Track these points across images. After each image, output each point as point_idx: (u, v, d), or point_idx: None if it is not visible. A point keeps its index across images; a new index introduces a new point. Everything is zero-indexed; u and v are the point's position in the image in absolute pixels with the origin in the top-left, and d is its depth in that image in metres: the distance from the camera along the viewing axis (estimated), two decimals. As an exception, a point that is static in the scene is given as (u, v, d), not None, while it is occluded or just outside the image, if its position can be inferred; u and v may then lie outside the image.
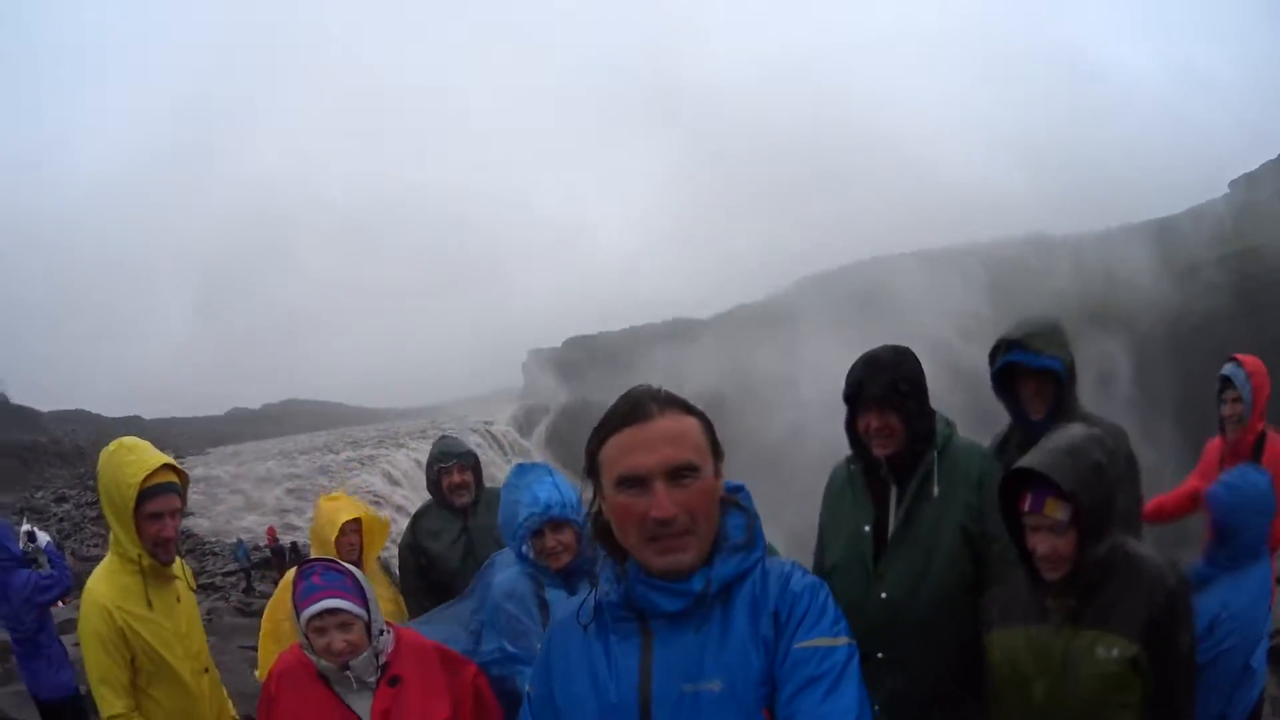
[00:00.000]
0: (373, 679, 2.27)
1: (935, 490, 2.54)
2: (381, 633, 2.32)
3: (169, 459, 2.83)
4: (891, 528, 2.59)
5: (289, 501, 40.77)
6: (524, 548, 2.65)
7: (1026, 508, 2.11)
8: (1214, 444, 3.91)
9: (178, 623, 2.94)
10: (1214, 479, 3.31)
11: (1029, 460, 2.10)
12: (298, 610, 2.23)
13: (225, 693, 3.23)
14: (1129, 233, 64.61)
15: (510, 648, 2.62)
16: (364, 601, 2.26)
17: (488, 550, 3.29)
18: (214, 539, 33.49)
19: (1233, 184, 64.97)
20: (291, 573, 3.10)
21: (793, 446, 50.28)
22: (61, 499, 41.45)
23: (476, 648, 2.72)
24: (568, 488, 2.67)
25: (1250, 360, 3.64)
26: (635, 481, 1.39)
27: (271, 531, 29.37)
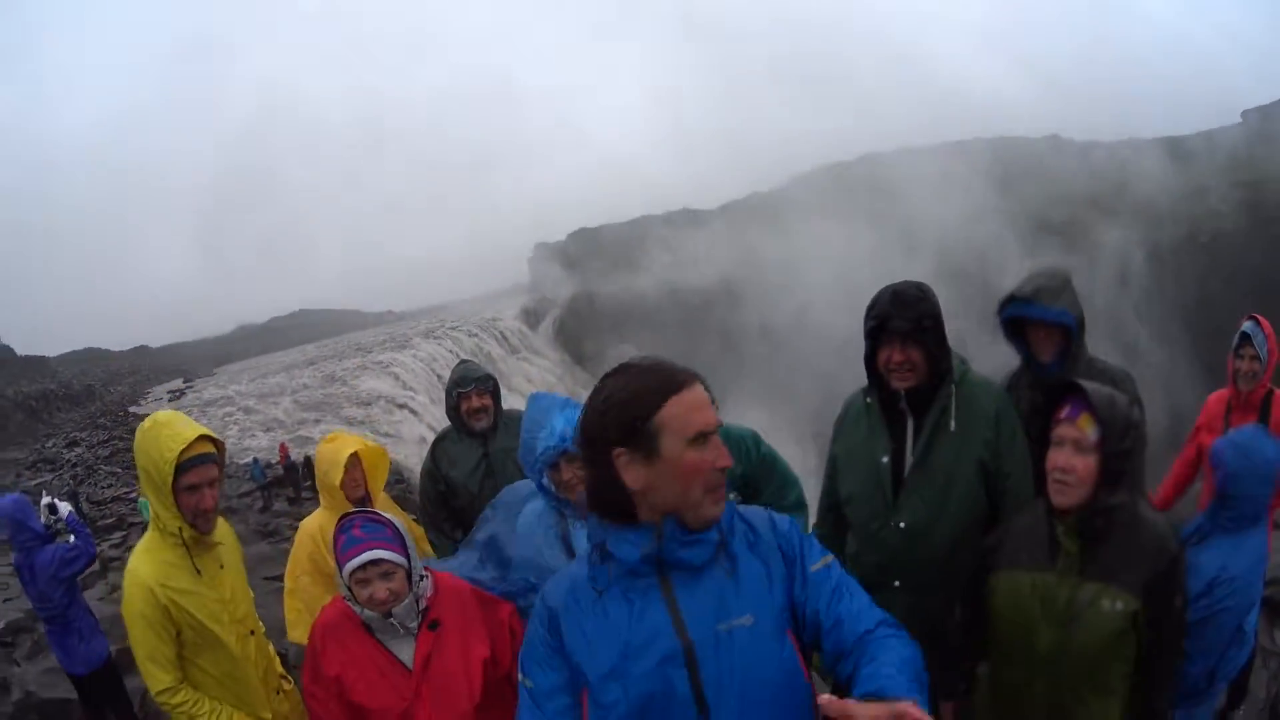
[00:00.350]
0: (414, 624, 2.36)
1: (953, 424, 2.60)
2: (421, 578, 2.38)
3: (205, 430, 2.83)
4: (910, 460, 2.64)
5: (299, 415, 40.25)
6: (543, 479, 2.64)
7: (1064, 415, 2.19)
8: (1218, 396, 4.05)
9: (222, 590, 2.97)
10: (1218, 431, 3.72)
11: (1082, 382, 2.19)
12: (340, 563, 2.29)
13: (272, 650, 3.29)
14: (1142, 144, 63.94)
15: (533, 579, 2.59)
16: (404, 550, 2.32)
17: (507, 474, 3.33)
18: (227, 461, 32.76)
19: (1246, 114, 64.22)
20: (306, 523, 3.55)
21: (801, 329, 50.37)
22: (73, 443, 41.13)
23: (505, 574, 2.72)
24: None
25: (1266, 323, 3.82)
26: (702, 439, 1.55)
27: (284, 448, 29.16)
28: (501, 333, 54.42)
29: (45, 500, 5.72)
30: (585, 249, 70.86)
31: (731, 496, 2.70)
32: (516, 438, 2.85)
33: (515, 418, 3.59)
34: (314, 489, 19.27)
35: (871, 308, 2.59)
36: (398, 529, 2.35)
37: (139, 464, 2.81)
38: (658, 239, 66.77)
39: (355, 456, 3.66)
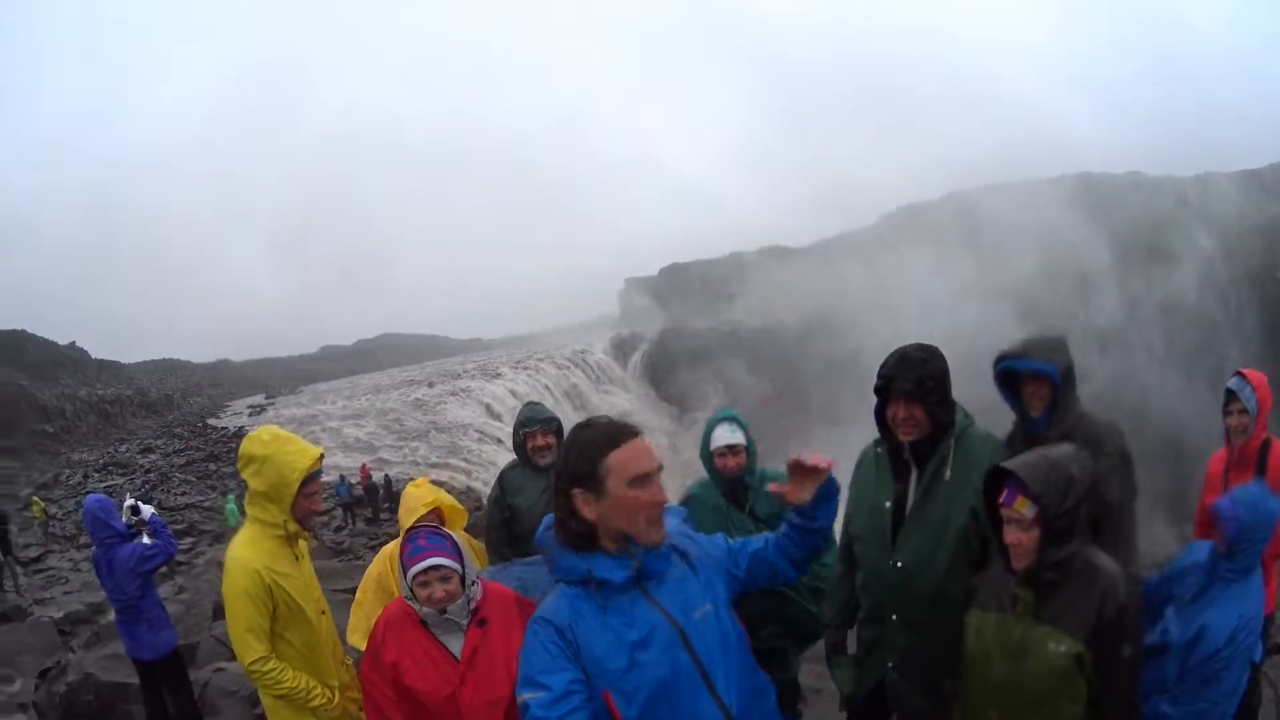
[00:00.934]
0: (464, 620, 2.65)
1: (948, 474, 2.81)
2: (473, 583, 2.69)
3: (320, 449, 3.42)
4: (910, 505, 2.88)
5: (385, 438, 41.07)
6: None
7: (1002, 500, 2.40)
8: (1218, 457, 4.16)
9: (306, 575, 3.44)
10: (1218, 490, 3.87)
11: (1010, 462, 2.39)
12: (405, 568, 2.59)
13: (335, 629, 3.69)
14: (1224, 179, 62.85)
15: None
16: (460, 559, 2.63)
17: None
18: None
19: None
20: (387, 549, 4.02)
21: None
22: (148, 450, 41.71)
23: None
24: None
25: (1254, 375, 3.94)
26: (644, 479, 1.97)
27: (365, 469, 30.36)
28: (590, 364, 55.23)
29: (129, 502, 5.89)
30: (676, 283, 71.38)
31: (760, 527, 3.50)
32: None
33: None
34: (392, 510, 27.99)
35: (881, 367, 2.85)
36: (455, 542, 2.66)
37: (263, 472, 3.24)
38: (750, 274, 66.89)
39: (437, 510, 3.91)
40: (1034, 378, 3.05)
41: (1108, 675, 2.36)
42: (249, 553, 3.21)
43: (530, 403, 4.48)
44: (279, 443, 3.27)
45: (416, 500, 3.89)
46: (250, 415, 47.71)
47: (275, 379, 68.81)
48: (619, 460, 1.97)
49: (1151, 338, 51.01)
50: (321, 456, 3.38)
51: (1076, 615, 2.35)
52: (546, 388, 48.39)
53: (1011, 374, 3.13)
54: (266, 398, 56.42)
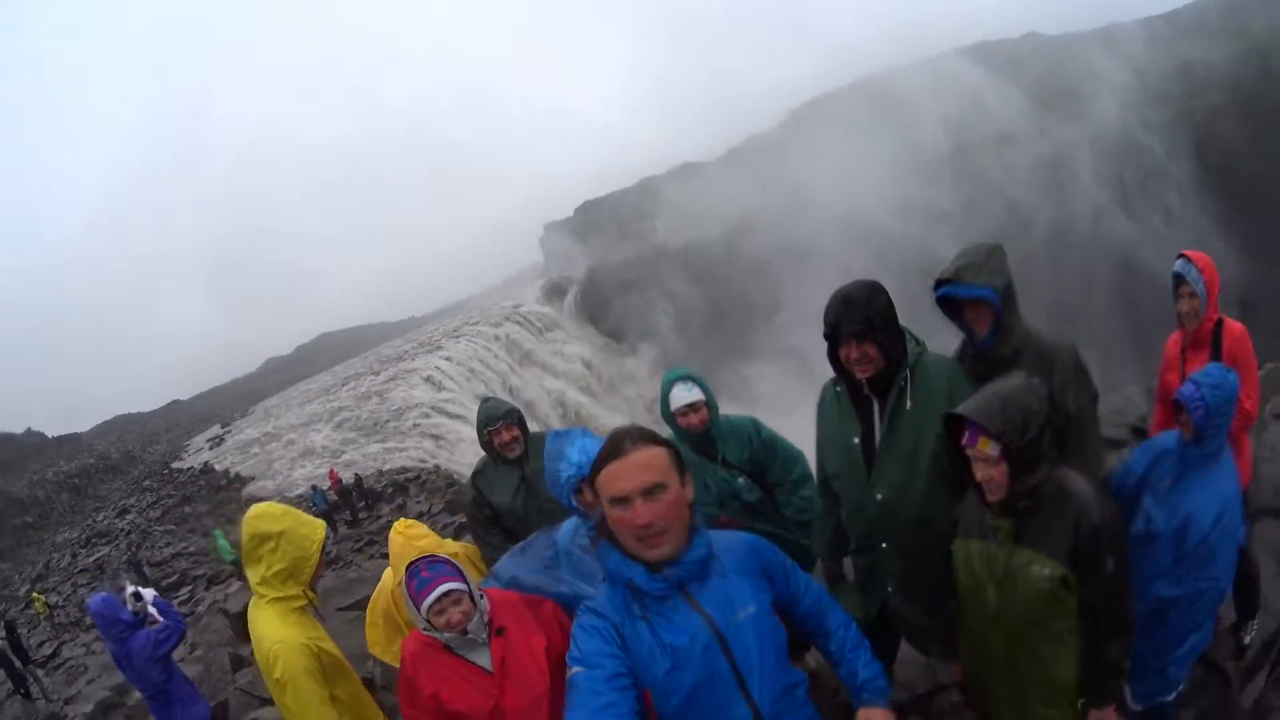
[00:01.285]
0: (485, 635, 2.75)
1: (908, 404, 2.88)
2: (481, 597, 2.78)
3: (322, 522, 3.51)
4: (878, 438, 2.95)
5: (340, 436, 40.96)
6: (572, 503, 2.91)
7: (965, 442, 2.47)
8: (1173, 339, 4.15)
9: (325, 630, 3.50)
10: (1176, 370, 3.97)
11: (964, 407, 2.46)
12: (417, 603, 2.69)
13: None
14: (1129, 29, 63.33)
15: (569, 589, 2.96)
16: (464, 579, 2.74)
17: (544, 491, 3.49)
18: (278, 497, 33.01)
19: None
20: (386, 581, 4.05)
21: (815, 253, 49.86)
22: (124, 511, 41.53)
23: (550, 582, 3.10)
24: (598, 444, 2.88)
25: (1198, 256, 3.86)
26: (622, 501, 1.98)
27: (333, 474, 30.65)
28: (525, 317, 54.60)
29: (129, 590, 5.90)
30: (593, 219, 70.40)
31: (740, 480, 3.69)
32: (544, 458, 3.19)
33: (542, 438, 3.76)
34: (368, 508, 29.31)
35: (826, 312, 2.84)
36: (455, 564, 2.75)
37: (275, 548, 3.24)
38: (664, 196, 66.27)
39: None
40: (973, 303, 3.01)
41: (1094, 589, 2.45)
42: (289, 631, 3.20)
43: (485, 400, 4.46)
44: (290, 517, 3.31)
45: (404, 547, 3.92)
46: (211, 449, 47.45)
47: (226, 406, 68.30)
48: (604, 479, 2.02)
49: (1084, 176, 52.13)
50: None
51: (1055, 539, 2.44)
52: (489, 349, 48.41)
53: (950, 298, 3.09)
54: (222, 427, 55.58)
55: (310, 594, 3.35)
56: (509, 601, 2.89)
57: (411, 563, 2.76)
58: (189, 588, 23.43)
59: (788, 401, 30.50)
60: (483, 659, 2.74)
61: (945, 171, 54.64)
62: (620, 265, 60.07)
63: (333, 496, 28.31)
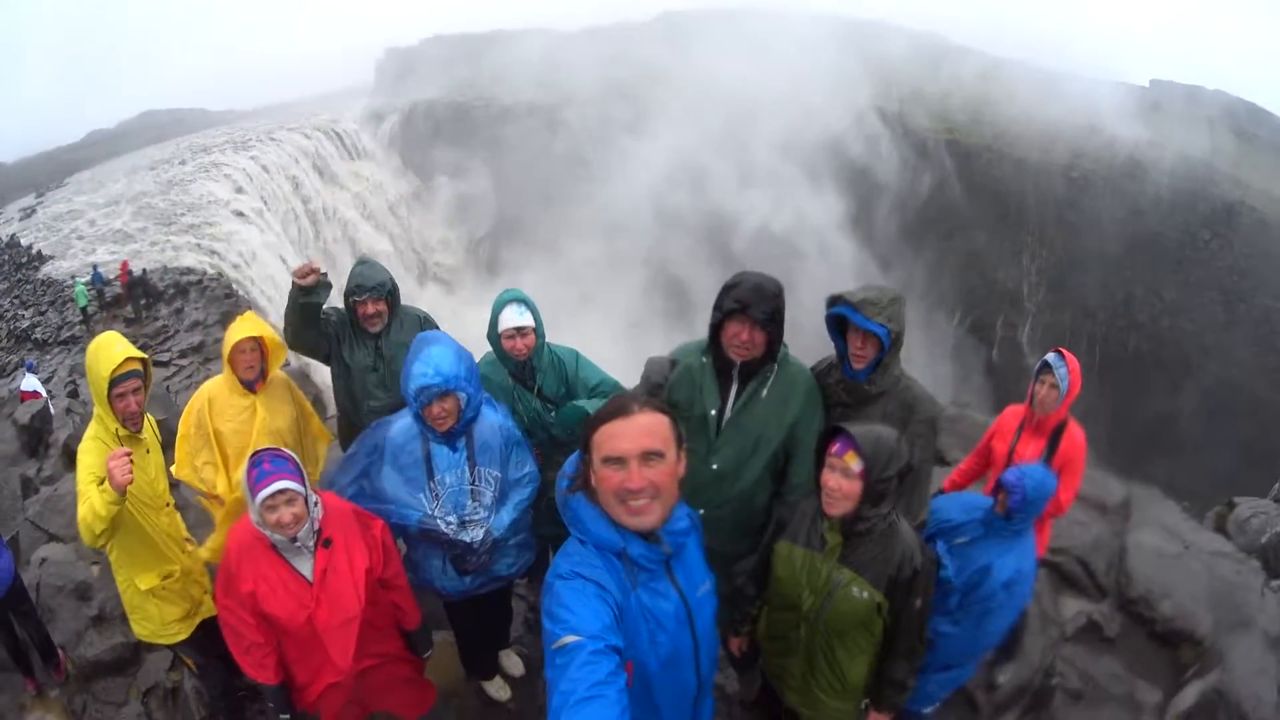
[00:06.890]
0: (312, 543, 2.84)
1: (764, 393, 3.17)
2: (316, 503, 2.86)
3: (133, 351, 3.38)
4: (728, 415, 3.22)
5: (139, 225, 38.94)
6: (416, 408, 3.11)
7: (835, 450, 2.70)
8: (1014, 410, 4.33)
9: (148, 472, 3.55)
10: (1008, 441, 4.18)
11: (851, 426, 2.69)
12: (253, 493, 2.71)
13: (180, 519, 3.86)
14: None
15: (400, 520, 3.20)
16: (303, 480, 2.78)
17: (398, 365, 3.82)
18: (70, 280, 31.21)
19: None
20: (207, 387, 3.98)
21: (648, 143, 51.78)
22: None
23: (380, 507, 3.25)
24: (457, 362, 3.12)
25: (1072, 359, 4.02)
26: (616, 461, 2.02)
27: (125, 266, 27.89)
28: (339, 134, 53.32)
29: None
30: (435, 56, 65.72)
31: (552, 412, 3.72)
32: (408, 334, 3.61)
33: (410, 316, 4.13)
34: (148, 306, 27.28)
35: (731, 288, 3.03)
36: (297, 463, 2.80)
37: (87, 378, 3.32)
38: (512, 50, 63.08)
39: (258, 340, 4.00)
40: (866, 333, 3.13)
41: (899, 620, 2.77)
42: (90, 457, 3.26)
43: (360, 262, 4.23)
44: (96, 350, 3.28)
45: (233, 333, 3.93)
46: (21, 219, 44.92)
47: (45, 174, 58.02)
48: (602, 437, 2.02)
49: None
50: (133, 359, 3.32)
51: (877, 568, 2.71)
52: (295, 160, 47.30)
53: (842, 318, 3.21)
54: (36, 196, 50.23)
55: (124, 430, 3.35)
56: (342, 512, 2.97)
57: (255, 452, 2.79)
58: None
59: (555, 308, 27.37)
60: (305, 567, 2.83)
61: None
62: (446, 106, 58.15)
63: (117, 289, 27.20)
